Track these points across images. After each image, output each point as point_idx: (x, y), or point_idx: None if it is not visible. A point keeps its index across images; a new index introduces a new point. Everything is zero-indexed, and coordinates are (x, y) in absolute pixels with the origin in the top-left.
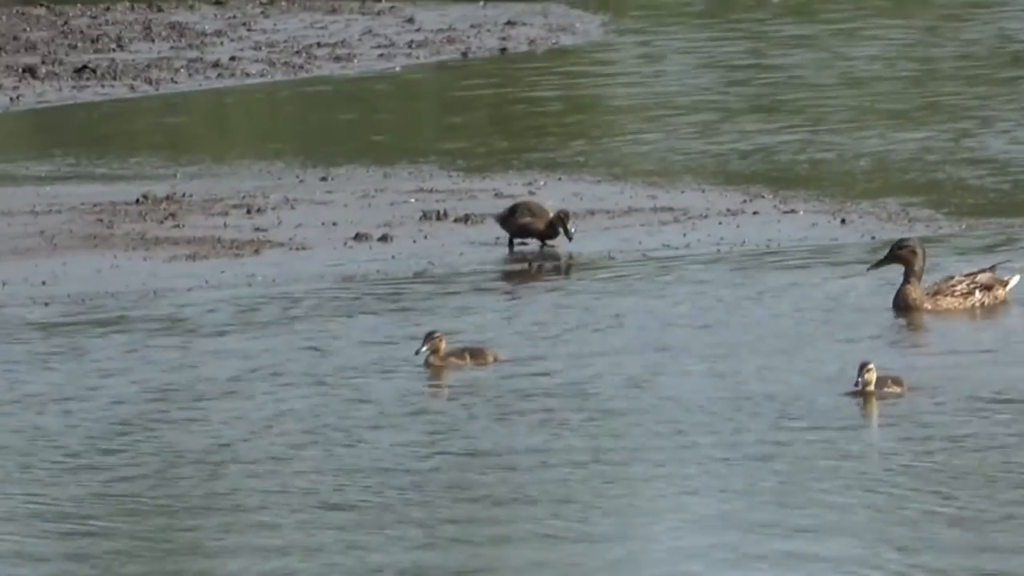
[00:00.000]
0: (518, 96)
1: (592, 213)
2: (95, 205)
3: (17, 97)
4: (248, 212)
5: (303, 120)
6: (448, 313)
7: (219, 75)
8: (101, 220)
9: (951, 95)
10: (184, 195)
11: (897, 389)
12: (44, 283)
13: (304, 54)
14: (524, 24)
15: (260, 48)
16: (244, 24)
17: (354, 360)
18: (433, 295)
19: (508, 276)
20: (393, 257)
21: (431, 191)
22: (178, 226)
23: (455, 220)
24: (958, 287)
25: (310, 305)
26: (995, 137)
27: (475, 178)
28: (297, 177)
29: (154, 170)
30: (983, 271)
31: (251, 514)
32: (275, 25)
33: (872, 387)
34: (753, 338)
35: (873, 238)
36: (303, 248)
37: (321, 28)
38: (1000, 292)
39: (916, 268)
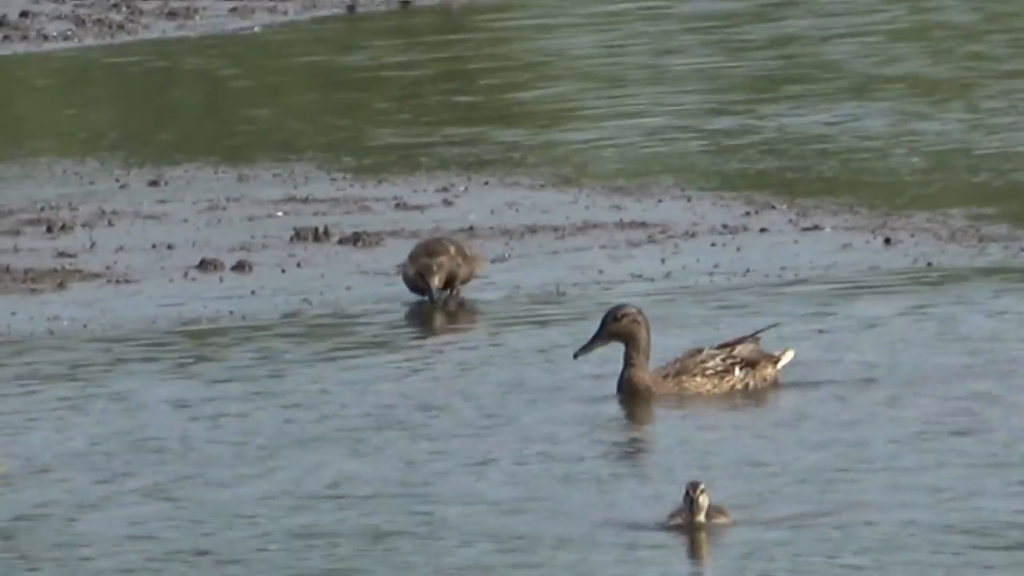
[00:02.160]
0: (428, 66)
1: (533, 231)
2: None
3: None
4: (48, 230)
5: (125, 102)
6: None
7: (5, 38)
8: None
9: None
10: None
11: (724, 519)
12: None
13: (125, 8)
14: None
15: (63, 0)
16: None
17: None
18: (303, 343)
19: (403, 321)
20: (253, 293)
21: (306, 200)
22: None
23: (340, 241)
24: (710, 363)
25: (125, 362)
26: None
27: (368, 182)
28: (117, 181)
29: None
30: (743, 340)
31: None
32: None
33: (703, 516)
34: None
35: (930, 264)
36: (127, 281)
37: None
38: (769, 371)
39: (642, 344)
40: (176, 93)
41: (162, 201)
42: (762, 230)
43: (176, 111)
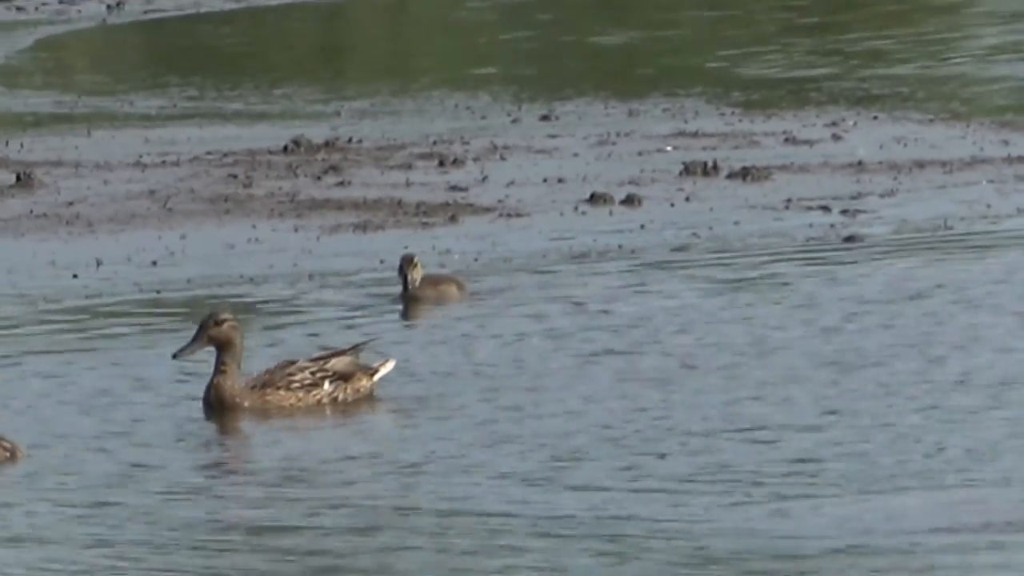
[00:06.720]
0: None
1: (921, 166)
2: (226, 155)
3: (118, 4)
4: (440, 164)
5: (517, 34)
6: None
7: None
8: (235, 176)
9: None
10: (351, 140)
11: None
12: (155, 263)
13: None
14: None
15: None
16: None
17: None
18: (691, 276)
19: (792, 256)
20: (642, 226)
21: (695, 135)
22: (342, 183)
23: (729, 175)
24: (297, 376)
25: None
26: None
27: (756, 117)
28: (508, 115)
29: (309, 105)
30: (340, 353)
31: None
32: None
33: None
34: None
35: None
36: (517, 214)
37: None
38: (364, 383)
39: (236, 351)
40: (570, 25)
41: (553, 135)
42: None
43: (569, 44)
